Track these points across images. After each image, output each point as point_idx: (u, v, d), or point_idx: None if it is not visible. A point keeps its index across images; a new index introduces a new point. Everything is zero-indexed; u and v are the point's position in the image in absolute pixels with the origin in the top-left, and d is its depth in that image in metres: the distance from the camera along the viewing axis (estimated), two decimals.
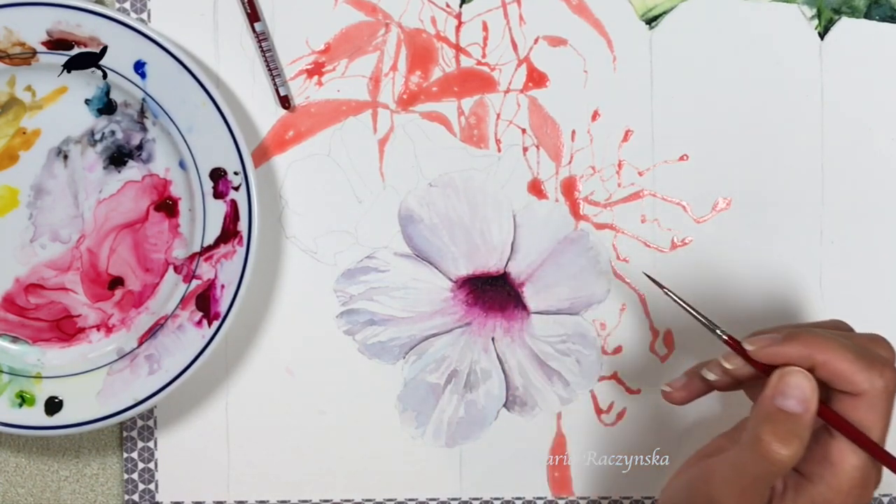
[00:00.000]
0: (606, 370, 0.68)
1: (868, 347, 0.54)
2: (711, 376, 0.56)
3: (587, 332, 0.68)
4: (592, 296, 0.68)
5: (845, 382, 0.53)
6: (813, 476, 0.54)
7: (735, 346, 0.55)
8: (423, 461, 0.69)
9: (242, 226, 0.65)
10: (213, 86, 0.64)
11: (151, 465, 0.69)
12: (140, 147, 0.67)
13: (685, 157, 0.67)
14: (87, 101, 0.67)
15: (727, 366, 0.56)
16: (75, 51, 0.65)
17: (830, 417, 0.53)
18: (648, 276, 0.61)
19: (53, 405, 0.66)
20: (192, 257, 0.66)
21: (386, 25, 0.67)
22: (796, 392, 0.53)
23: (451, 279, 0.68)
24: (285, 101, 0.67)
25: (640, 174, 0.67)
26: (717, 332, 0.56)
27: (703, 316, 0.57)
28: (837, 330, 0.57)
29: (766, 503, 0.54)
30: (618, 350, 0.68)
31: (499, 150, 0.68)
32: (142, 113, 0.66)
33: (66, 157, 0.67)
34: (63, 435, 0.68)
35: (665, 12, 0.67)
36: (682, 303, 0.58)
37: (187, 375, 0.65)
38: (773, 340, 0.54)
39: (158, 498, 0.69)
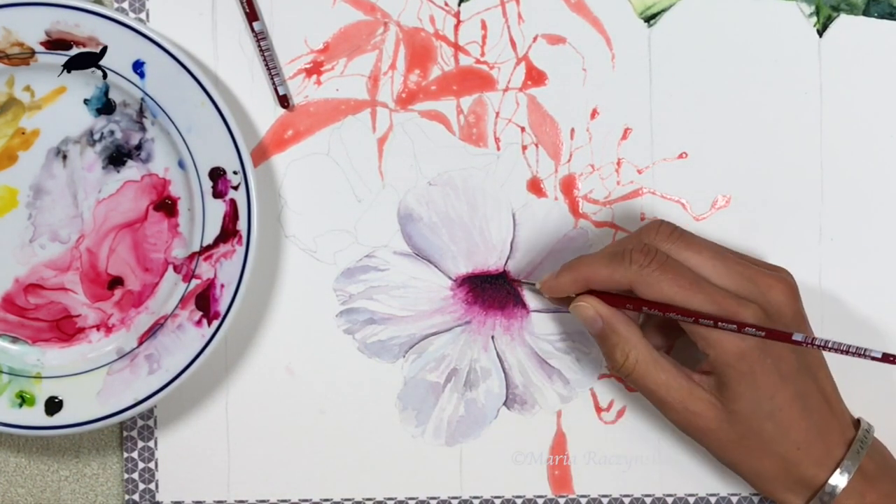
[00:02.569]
0: (606, 368, 0.68)
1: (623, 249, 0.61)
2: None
3: (587, 331, 0.68)
4: None
5: (612, 283, 0.60)
6: (707, 358, 0.60)
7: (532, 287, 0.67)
8: (424, 460, 0.69)
9: (242, 225, 0.65)
10: (212, 85, 0.64)
11: (152, 465, 0.69)
12: (139, 147, 0.67)
13: (684, 155, 0.67)
14: (85, 101, 0.67)
15: (546, 295, 0.64)
16: (74, 51, 0.65)
17: (627, 308, 0.61)
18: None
19: (53, 405, 0.66)
20: (191, 257, 0.66)
21: (384, 24, 0.67)
22: (583, 318, 0.62)
23: (450, 278, 0.68)
24: (284, 101, 0.67)
25: (640, 172, 0.67)
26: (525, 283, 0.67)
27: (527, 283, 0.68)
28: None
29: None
30: None
31: (498, 149, 0.68)
32: (141, 113, 0.66)
33: (65, 157, 0.67)
34: (63, 435, 0.68)
35: (664, 10, 0.67)
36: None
37: (187, 375, 0.65)
38: (551, 275, 0.63)
39: (159, 497, 0.69)
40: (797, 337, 0.56)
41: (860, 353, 0.54)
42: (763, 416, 0.59)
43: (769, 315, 0.59)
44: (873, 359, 0.54)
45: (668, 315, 0.59)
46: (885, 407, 0.67)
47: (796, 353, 0.60)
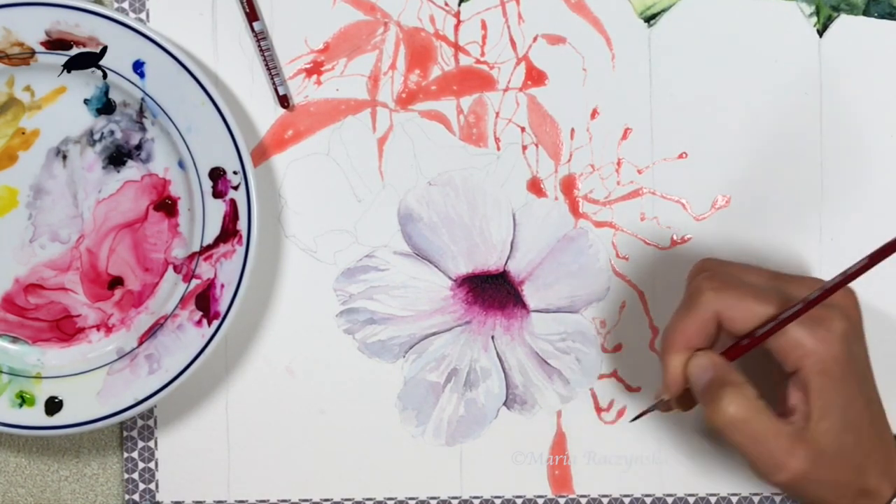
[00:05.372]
0: (606, 368, 0.68)
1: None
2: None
3: (587, 330, 0.68)
4: (592, 294, 0.68)
5: (701, 325, 0.58)
6: (803, 376, 0.58)
7: (665, 403, 0.61)
8: (424, 460, 0.69)
9: (242, 225, 0.65)
10: (212, 85, 0.64)
11: (152, 465, 0.69)
12: (139, 147, 0.67)
13: (684, 155, 0.67)
14: (85, 101, 0.67)
15: (672, 396, 0.61)
16: (74, 51, 0.65)
17: (744, 347, 0.58)
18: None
19: (53, 405, 0.66)
20: (191, 257, 0.66)
21: (384, 24, 0.68)
22: (697, 368, 0.59)
23: (450, 278, 0.68)
24: (284, 101, 0.67)
25: (640, 172, 0.67)
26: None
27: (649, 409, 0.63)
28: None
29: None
30: (618, 348, 0.68)
31: (498, 149, 0.68)
32: (141, 113, 0.66)
33: (65, 157, 0.67)
34: (63, 435, 0.68)
35: (664, 10, 0.67)
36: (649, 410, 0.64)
37: (187, 375, 0.65)
38: (665, 375, 0.60)
39: (159, 497, 0.69)
40: None
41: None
42: (844, 429, 0.58)
43: (848, 318, 0.58)
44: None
45: (763, 338, 0.57)
46: None
47: (866, 357, 0.59)
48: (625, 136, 0.67)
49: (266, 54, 0.67)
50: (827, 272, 0.67)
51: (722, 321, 0.58)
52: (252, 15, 0.67)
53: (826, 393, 0.58)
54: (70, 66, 0.65)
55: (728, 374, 0.58)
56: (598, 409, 0.68)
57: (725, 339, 0.60)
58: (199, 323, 0.66)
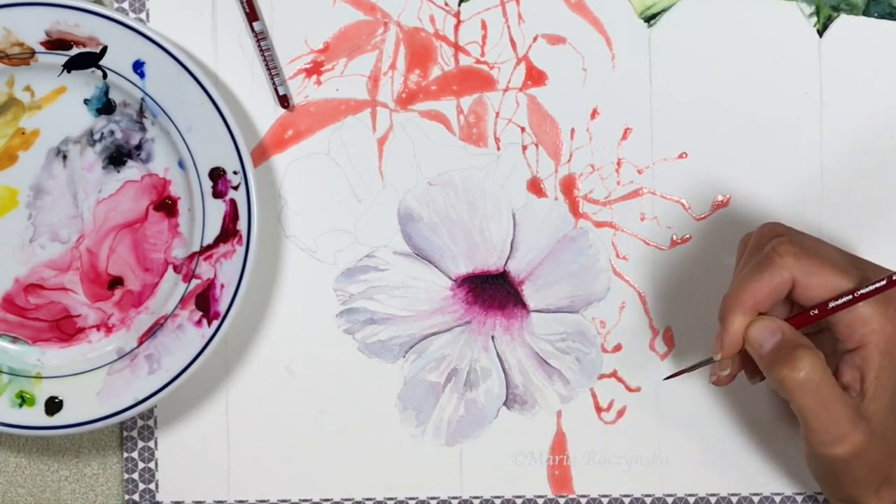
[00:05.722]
0: (606, 368, 0.68)
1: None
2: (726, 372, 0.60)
3: (587, 331, 0.68)
4: (592, 294, 0.68)
5: (776, 289, 0.57)
6: (864, 354, 0.57)
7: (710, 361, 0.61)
8: (424, 460, 0.69)
9: (242, 225, 0.65)
10: (212, 85, 0.64)
11: (152, 465, 0.69)
12: (139, 147, 0.67)
13: (684, 155, 0.67)
14: (85, 101, 0.67)
15: (723, 373, 0.60)
16: (74, 51, 0.65)
17: (812, 317, 0.57)
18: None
19: (53, 405, 0.66)
20: (191, 257, 0.66)
21: (384, 24, 0.68)
22: (762, 332, 0.58)
23: (450, 278, 0.68)
24: (284, 101, 0.67)
25: (640, 172, 0.67)
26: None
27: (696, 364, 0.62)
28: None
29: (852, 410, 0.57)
30: (618, 348, 0.68)
31: (498, 149, 0.68)
32: (141, 113, 0.66)
33: (65, 157, 0.67)
34: (63, 435, 0.68)
35: (664, 10, 0.67)
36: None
37: (187, 375, 0.65)
38: (717, 336, 0.59)
39: (159, 497, 0.69)
40: None
41: None
42: (890, 412, 0.57)
43: None
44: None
45: (835, 310, 0.56)
46: None
47: None
48: (625, 136, 0.67)
49: (266, 54, 0.67)
50: None
51: (795, 288, 0.57)
52: (252, 15, 0.67)
53: (884, 373, 0.57)
54: (70, 66, 0.65)
55: (799, 337, 0.57)
56: (598, 409, 0.68)
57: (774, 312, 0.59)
58: (199, 323, 0.66)
